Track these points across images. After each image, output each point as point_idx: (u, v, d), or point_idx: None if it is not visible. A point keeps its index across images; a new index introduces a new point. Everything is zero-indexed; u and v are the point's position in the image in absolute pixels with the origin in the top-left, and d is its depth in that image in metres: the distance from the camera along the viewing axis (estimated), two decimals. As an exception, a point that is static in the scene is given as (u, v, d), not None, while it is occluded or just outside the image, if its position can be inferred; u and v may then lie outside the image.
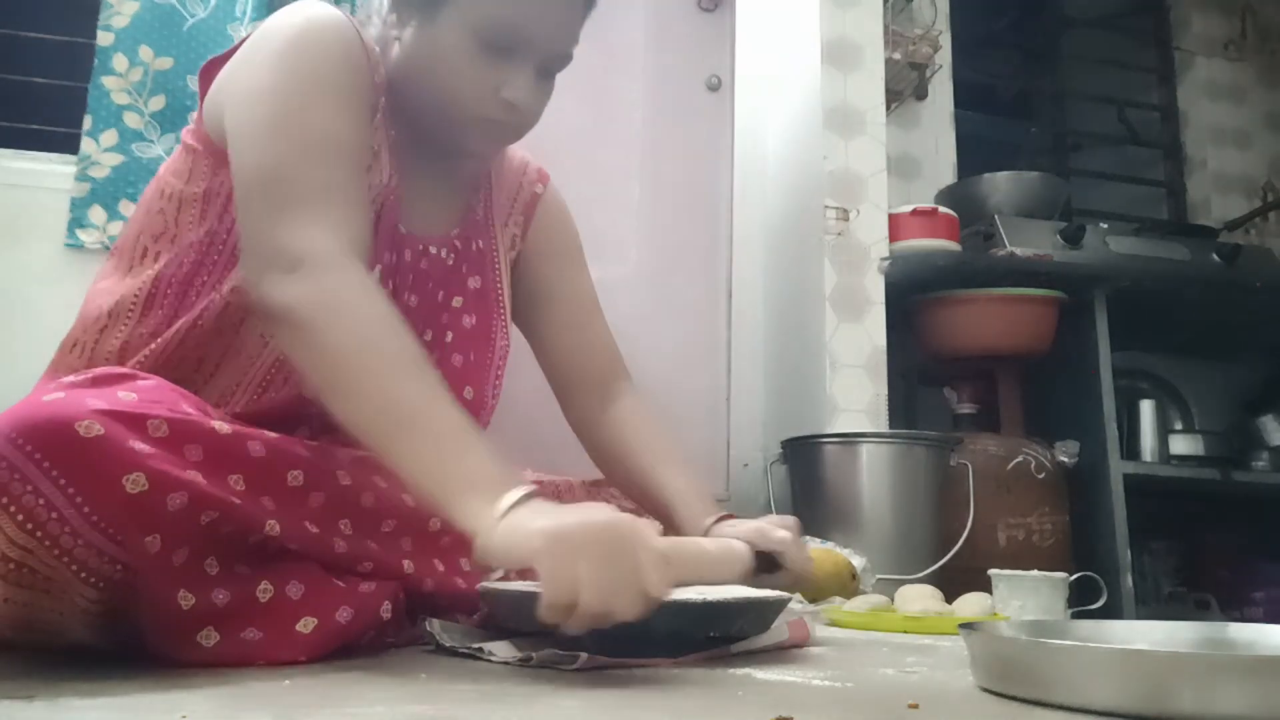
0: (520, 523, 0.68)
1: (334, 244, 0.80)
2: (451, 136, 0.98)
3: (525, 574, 0.73)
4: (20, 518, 0.62)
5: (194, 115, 1.00)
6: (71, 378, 0.71)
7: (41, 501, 0.62)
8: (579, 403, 1.15)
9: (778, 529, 0.93)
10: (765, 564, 0.91)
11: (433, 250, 1.02)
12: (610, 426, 1.12)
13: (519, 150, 1.18)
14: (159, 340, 0.91)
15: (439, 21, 0.92)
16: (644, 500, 1.07)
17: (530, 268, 1.16)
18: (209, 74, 0.97)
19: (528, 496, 0.70)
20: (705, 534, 0.97)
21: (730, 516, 1.00)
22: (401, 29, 0.96)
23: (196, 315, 0.90)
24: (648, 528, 0.70)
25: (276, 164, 0.83)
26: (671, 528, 1.00)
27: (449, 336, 1.03)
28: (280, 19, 0.91)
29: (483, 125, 0.96)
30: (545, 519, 0.67)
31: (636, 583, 0.65)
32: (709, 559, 0.86)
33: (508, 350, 1.09)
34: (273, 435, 0.79)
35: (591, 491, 1.13)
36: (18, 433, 0.61)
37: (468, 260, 1.06)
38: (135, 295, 0.93)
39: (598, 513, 0.69)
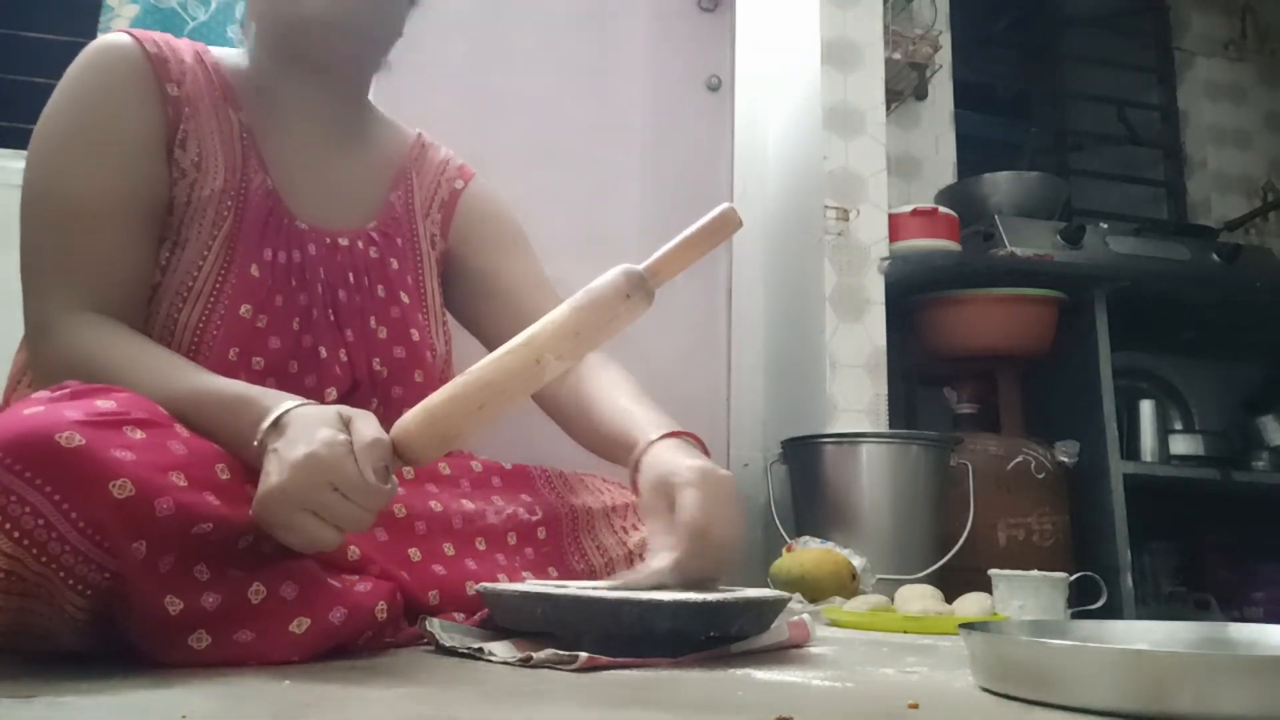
0: (261, 486, 0.71)
1: (66, 309, 0.86)
2: (305, 52, 0.99)
3: None
4: (8, 526, 0.62)
5: None
6: (46, 392, 0.71)
7: (28, 509, 0.62)
8: None
9: (689, 510, 0.81)
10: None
11: (343, 243, 1.02)
12: (567, 383, 1.08)
13: (444, 149, 1.19)
14: None
15: None
16: (599, 439, 1.01)
17: (463, 264, 1.15)
18: None
19: (275, 422, 0.74)
20: (637, 461, 0.90)
21: (681, 435, 0.92)
22: None
23: None
24: (348, 436, 0.71)
25: (28, 236, 0.90)
26: (624, 450, 0.94)
27: (415, 334, 1.03)
28: (69, 67, 0.95)
29: (317, 25, 0.97)
30: (267, 476, 0.70)
31: (368, 490, 0.70)
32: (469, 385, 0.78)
33: (431, 345, 1.05)
34: None
35: (585, 481, 1.12)
36: (1, 449, 0.61)
37: (395, 255, 1.06)
38: None
39: (302, 445, 0.70)
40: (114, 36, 0.95)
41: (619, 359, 1.15)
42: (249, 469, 0.76)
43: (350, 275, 1.01)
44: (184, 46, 0.99)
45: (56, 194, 0.90)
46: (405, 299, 1.05)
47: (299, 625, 0.72)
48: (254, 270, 0.94)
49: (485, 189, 1.20)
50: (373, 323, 1.01)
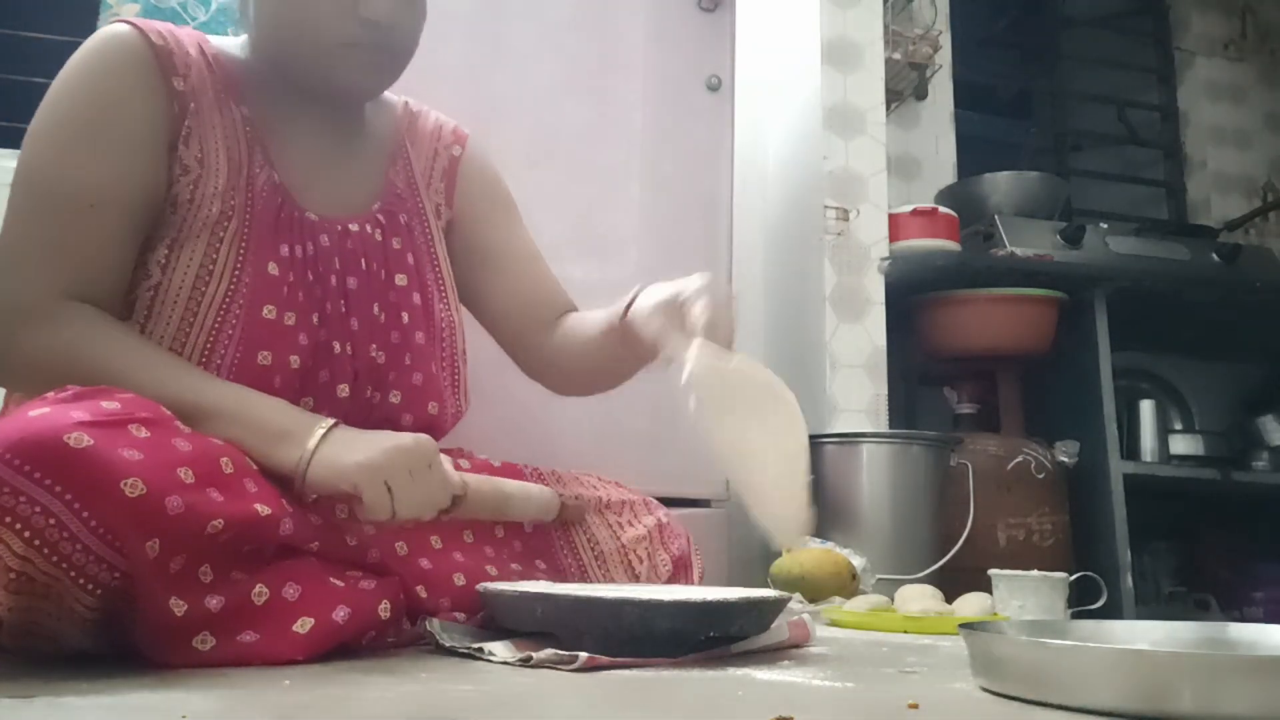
0: (333, 458, 0.80)
1: (49, 299, 0.84)
2: (322, 79, 0.96)
3: (351, 500, 0.81)
4: (18, 526, 0.62)
5: None
6: (53, 394, 0.71)
7: (38, 510, 0.62)
8: (528, 345, 1.15)
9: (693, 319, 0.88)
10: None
11: (353, 228, 0.99)
12: (554, 338, 1.12)
13: (433, 113, 1.16)
14: None
15: None
16: (592, 346, 1.06)
17: (463, 232, 1.13)
18: None
19: (327, 432, 0.82)
20: (625, 310, 0.96)
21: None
22: None
23: None
24: (433, 444, 0.85)
25: (11, 222, 0.88)
26: (613, 327, 0.99)
27: (405, 317, 1.01)
28: (72, 56, 0.93)
29: (347, 53, 0.94)
30: (355, 452, 0.80)
31: (433, 489, 0.84)
32: (513, 500, 0.96)
33: (452, 321, 1.07)
34: None
35: (579, 478, 1.13)
36: (11, 452, 0.61)
37: (398, 234, 1.04)
38: None
39: (393, 438, 0.82)
40: (119, 26, 0.92)
41: (567, 295, 1.15)
42: (248, 464, 0.76)
43: (362, 261, 0.99)
44: (187, 38, 0.96)
45: (52, 180, 0.88)
46: (401, 280, 1.02)
47: (303, 625, 0.72)
48: (272, 269, 0.91)
49: (481, 153, 1.17)
50: (375, 309, 0.99)
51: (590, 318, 1.08)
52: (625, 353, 1.00)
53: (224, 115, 0.95)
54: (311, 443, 0.80)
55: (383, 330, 0.99)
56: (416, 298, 1.03)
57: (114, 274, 0.89)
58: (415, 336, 1.02)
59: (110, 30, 0.92)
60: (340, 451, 0.80)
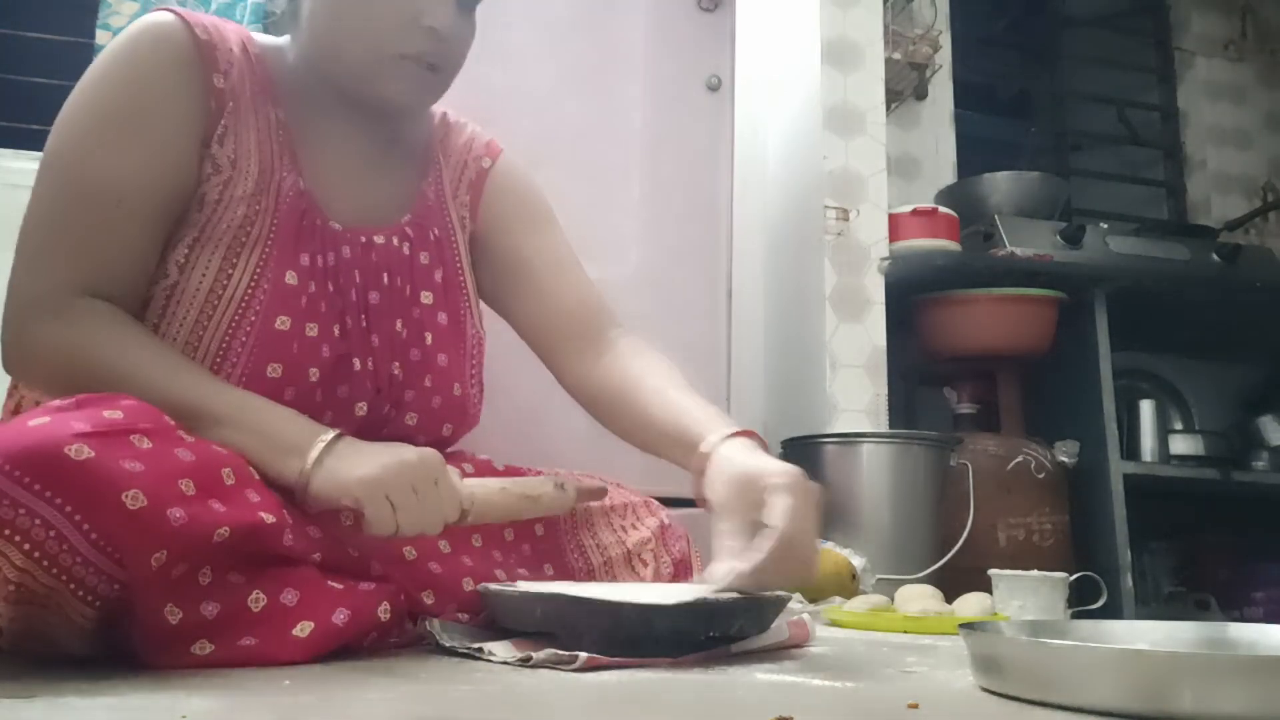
0: (335, 471, 0.78)
1: (73, 287, 0.83)
2: (372, 90, 0.94)
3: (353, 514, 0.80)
4: (18, 539, 0.62)
5: None
6: (57, 401, 0.71)
7: (38, 522, 0.62)
8: (571, 364, 1.07)
9: (776, 510, 0.78)
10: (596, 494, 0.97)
11: (379, 240, 0.97)
12: (604, 371, 1.05)
13: (470, 125, 1.13)
14: None
15: None
16: (651, 433, 0.98)
17: (492, 244, 1.09)
18: None
19: (330, 444, 0.80)
20: (705, 458, 0.88)
21: (749, 435, 0.90)
22: None
23: None
24: (440, 459, 0.82)
25: (36, 210, 0.86)
26: (683, 447, 0.92)
27: (429, 337, 0.99)
28: (116, 38, 0.91)
29: (403, 64, 0.92)
30: (358, 466, 0.78)
31: (439, 505, 0.81)
32: (524, 500, 0.90)
33: (481, 340, 1.06)
34: None
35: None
36: (11, 463, 0.61)
37: (426, 249, 1.01)
38: None
39: (397, 452, 0.80)
40: (164, 16, 0.89)
41: (610, 307, 1.12)
42: (250, 475, 0.76)
43: (385, 276, 0.96)
44: (231, 33, 0.93)
45: (80, 173, 0.85)
46: (427, 298, 0.99)
47: (302, 629, 0.72)
48: (290, 278, 0.89)
49: (513, 165, 1.13)
50: (398, 325, 0.96)
51: (652, 399, 0.99)
52: (679, 461, 0.94)
53: (259, 116, 0.93)
54: (313, 455, 0.79)
55: (404, 347, 0.96)
56: (443, 316, 1.01)
57: (135, 272, 0.87)
58: (438, 358, 0.99)
59: (154, 19, 0.89)
60: (343, 465, 0.79)
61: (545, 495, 0.93)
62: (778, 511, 0.78)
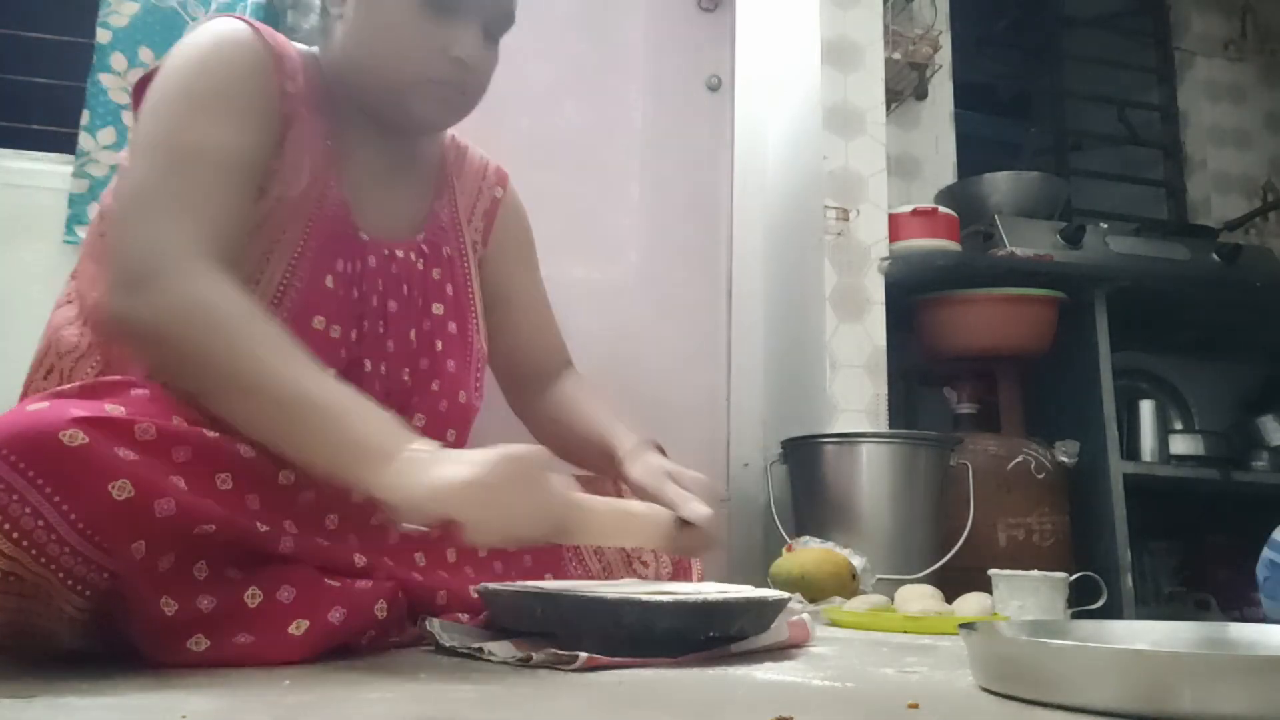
0: (429, 479, 0.72)
1: (187, 252, 0.81)
2: (401, 109, 0.99)
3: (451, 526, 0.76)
4: (6, 526, 0.61)
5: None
6: (64, 386, 0.71)
7: (28, 510, 0.62)
8: (525, 393, 1.21)
9: (692, 501, 0.92)
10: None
11: (399, 254, 1.02)
12: (548, 399, 1.18)
13: (476, 149, 1.19)
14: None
15: None
16: (574, 444, 1.12)
17: (490, 270, 1.16)
18: (140, 92, 0.96)
19: (418, 450, 0.74)
20: (623, 461, 1.02)
21: (655, 448, 1.04)
22: (343, 4, 0.97)
23: None
24: (544, 459, 0.77)
25: (144, 179, 0.86)
26: (602, 459, 1.07)
27: (439, 345, 1.03)
28: (187, 38, 0.93)
29: (431, 87, 0.97)
30: (453, 472, 0.71)
31: (545, 507, 0.75)
32: (633, 519, 0.87)
33: (484, 354, 1.10)
34: None
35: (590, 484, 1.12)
36: (7, 447, 0.61)
37: (438, 265, 1.06)
38: None
39: (494, 453, 0.73)
40: (236, 23, 0.93)
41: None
42: (251, 482, 0.75)
43: (404, 286, 1.01)
44: (286, 44, 0.98)
45: (181, 138, 0.87)
46: (438, 310, 1.04)
47: (298, 627, 0.72)
48: (329, 282, 0.93)
49: (517, 197, 1.22)
50: (411, 334, 1.00)
51: (585, 422, 1.13)
52: (602, 468, 1.08)
53: (314, 125, 0.97)
54: (402, 463, 0.73)
55: (414, 355, 1.00)
56: (452, 326, 1.05)
57: (237, 238, 0.88)
58: (447, 365, 1.03)
59: (229, 25, 0.93)
60: (434, 472, 0.72)
61: (655, 522, 0.88)
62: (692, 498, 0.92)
